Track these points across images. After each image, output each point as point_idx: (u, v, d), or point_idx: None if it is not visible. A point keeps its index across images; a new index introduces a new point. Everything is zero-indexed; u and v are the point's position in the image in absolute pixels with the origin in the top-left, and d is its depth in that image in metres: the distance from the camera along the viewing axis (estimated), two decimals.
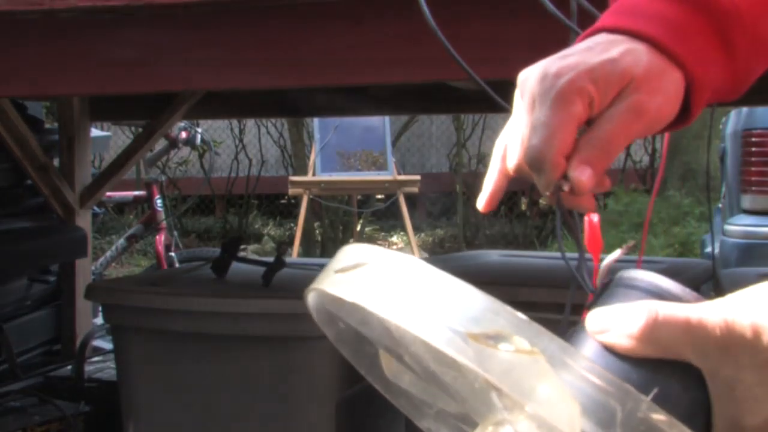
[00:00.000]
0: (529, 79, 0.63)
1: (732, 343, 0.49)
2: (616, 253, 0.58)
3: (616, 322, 0.52)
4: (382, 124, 5.44)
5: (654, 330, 0.50)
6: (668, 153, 7.40)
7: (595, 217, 0.61)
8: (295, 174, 6.61)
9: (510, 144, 0.65)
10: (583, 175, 0.59)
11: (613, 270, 0.57)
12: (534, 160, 0.61)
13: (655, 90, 0.62)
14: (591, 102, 0.61)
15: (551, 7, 0.84)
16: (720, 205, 4.31)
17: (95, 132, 3.47)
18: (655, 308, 0.51)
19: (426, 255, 6.14)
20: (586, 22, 0.68)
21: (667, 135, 0.74)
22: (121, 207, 7.55)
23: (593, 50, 0.63)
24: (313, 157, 5.36)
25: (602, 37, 0.64)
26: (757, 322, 0.49)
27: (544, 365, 0.44)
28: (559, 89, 0.60)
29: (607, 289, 0.55)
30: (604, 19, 0.66)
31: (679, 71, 0.63)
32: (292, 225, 7.63)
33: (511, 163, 0.64)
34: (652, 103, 0.61)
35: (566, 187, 0.60)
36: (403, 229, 5.80)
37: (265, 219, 8.24)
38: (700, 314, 0.50)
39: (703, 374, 0.50)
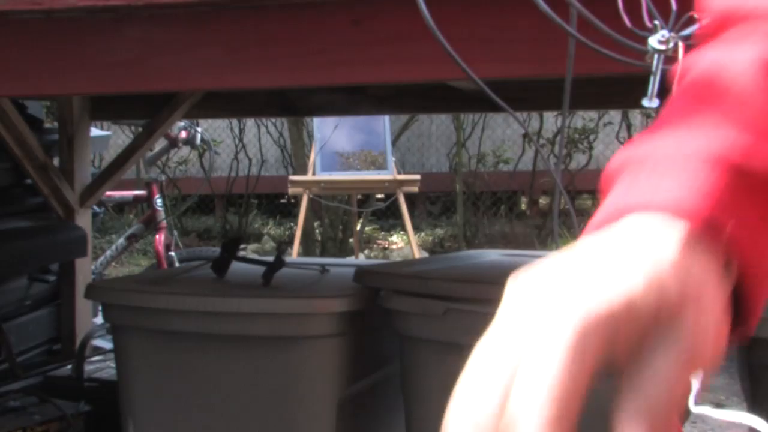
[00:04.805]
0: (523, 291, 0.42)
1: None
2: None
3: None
4: (382, 123, 5.43)
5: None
6: None
7: None
8: (295, 173, 6.60)
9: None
10: None
11: None
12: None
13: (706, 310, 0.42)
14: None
15: (552, 14, 0.84)
16: None
17: (95, 131, 3.47)
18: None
19: (426, 254, 6.14)
20: (585, 26, 0.68)
21: None
22: (121, 206, 7.55)
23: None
24: (313, 157, 5.36)
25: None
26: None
27: None
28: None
29: None
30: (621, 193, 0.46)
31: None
32: (292, 224, 7.63)
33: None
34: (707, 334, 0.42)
35: None
36: (403, 228, 5.80)
37: (264, 218, 8.24)
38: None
39: None
